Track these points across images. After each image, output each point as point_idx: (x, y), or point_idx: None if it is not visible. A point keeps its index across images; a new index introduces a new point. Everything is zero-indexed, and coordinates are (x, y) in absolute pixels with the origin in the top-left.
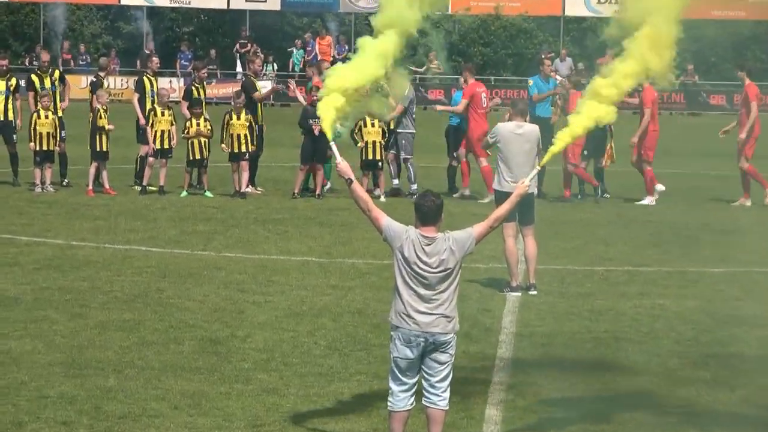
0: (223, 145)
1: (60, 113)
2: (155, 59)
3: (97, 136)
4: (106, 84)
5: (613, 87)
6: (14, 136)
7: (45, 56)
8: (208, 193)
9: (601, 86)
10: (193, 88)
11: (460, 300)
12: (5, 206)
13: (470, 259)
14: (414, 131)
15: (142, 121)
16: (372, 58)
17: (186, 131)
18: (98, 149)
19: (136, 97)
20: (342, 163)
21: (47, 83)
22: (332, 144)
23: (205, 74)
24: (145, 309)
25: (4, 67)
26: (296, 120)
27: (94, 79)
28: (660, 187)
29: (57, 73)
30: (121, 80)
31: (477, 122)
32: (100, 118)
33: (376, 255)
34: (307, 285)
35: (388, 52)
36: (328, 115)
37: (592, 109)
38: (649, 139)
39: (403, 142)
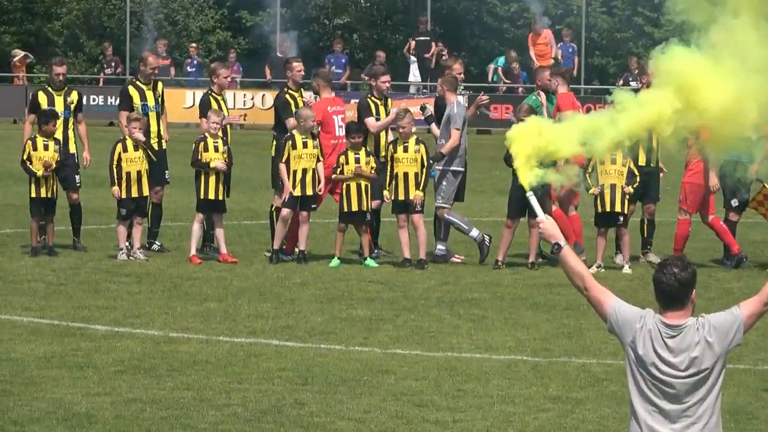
0: (386, 192)
1: (164, 144)
2: (296, 65)
3: (203, 178)
4: (222, 101)
5: None
6: (77, 177)
7: (154, 61)
8: (369, 262)
9: None
10: (370, 102)
11: (744, 418)
12: (74, 281)
13: (754, 357)
14: (462, 169)
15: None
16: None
17: (339, 170)
18: (204, 196)
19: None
20: (546, 222)
21: (150, 100)
22: (530, 195)
23: (388, 84)
24: (279, 431)
25: (61, 77)
26: (501, 153)
27: (204, 96)
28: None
29: (161, 87)
30: (243, 95)
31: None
32: (206, 150)
33: (617, 353)
34: (516, 396)
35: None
36: (526, 151)
37: None
38: None
39: (443, 183)
